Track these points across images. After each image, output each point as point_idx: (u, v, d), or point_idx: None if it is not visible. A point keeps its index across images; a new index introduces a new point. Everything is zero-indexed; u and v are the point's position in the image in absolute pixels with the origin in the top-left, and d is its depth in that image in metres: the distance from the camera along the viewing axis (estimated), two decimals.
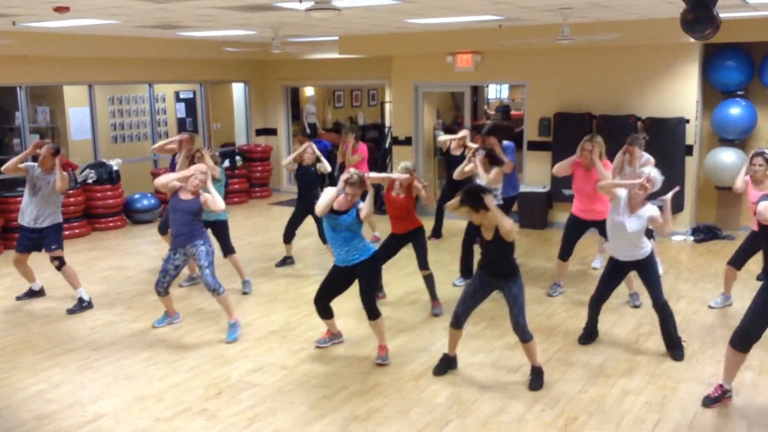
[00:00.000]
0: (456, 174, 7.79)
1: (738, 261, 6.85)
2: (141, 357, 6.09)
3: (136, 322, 6.97)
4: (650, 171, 5.80)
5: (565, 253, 7.44)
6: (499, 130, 8.28)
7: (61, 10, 6.74)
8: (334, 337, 6.30)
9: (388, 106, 13.33)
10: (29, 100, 11.14)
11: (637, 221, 5.74)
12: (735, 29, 8.86)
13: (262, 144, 14.16)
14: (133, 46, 10.94)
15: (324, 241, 8.48)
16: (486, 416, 4.96)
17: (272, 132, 14.52)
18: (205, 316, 7.05)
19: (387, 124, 13.40)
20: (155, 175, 11.98)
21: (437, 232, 10.16)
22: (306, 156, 8.42)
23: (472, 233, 7.32)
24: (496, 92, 18.88)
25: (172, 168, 8.28)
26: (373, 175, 6.85)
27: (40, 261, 7.89)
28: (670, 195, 5.71)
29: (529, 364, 5.48)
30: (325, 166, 8.44)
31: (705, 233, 10.01)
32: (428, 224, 10.00)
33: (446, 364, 5.69)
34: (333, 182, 6.52)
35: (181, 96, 14.14)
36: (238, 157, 13.46)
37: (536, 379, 5.38)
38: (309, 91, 16.34)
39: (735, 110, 9.75)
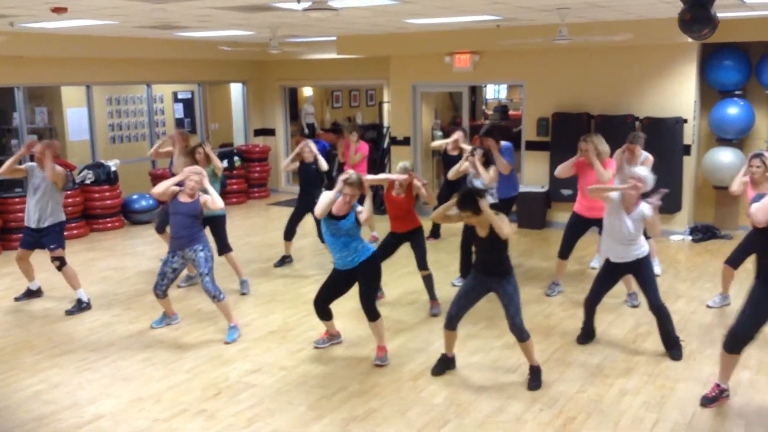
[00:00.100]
0: (451, 174, 7.80)
1: (735, 260, 6.86)
2: (139, 358, 6.09)
3: (134, 323, 6.96)
4: (639, 170, 5.81)
5: (565, 252, 7.45)
6: (497, 130, 8.28)
7: (58, 10, 6.74)
8: (332, 337, 6.30)
9: (386, 107, 13.33)
10: (27, 101, 11.13)
11: (633, 221, 5.75)
12: (732, 29, 8.87)
13: (261, 144, 14.16)
14: (131, 47, 10.94)
15: (323, 240, 8.48)
16: (484, 416, 4.97)
17: (270, 132, 14.52)
18: (204, 317, 7.05)
19: (385, 124, 13.40)
20: (153, 175, 11.99)
21: (436, 233, 10.17)
22: (305, 153, 8.44)
23: (471, 233, 7.33)
24: (494, 92, 18.88)
25: (171, 168, 8.28)
26: (371, 177, 6.86)
27: (41, 261, 7.88)
28: (657, 199, 5.71)
29: (527, 364, 5.48)
30: (322, 165, 8.43)
31: (703, 233, 10.02)
32: (427, 225, 10.02)
33: (444, 365, 5.70)
34: (332, 182, 6.53)
35: (179, 96, 14.14)
36: (236, 158, 13.45)
37: (534, 379, 5.39)
38: (307, 92, 16.34)
39: (733, 110, 9.76)
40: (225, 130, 14.99)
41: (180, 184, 6.47)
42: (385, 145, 12.88)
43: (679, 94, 9.91)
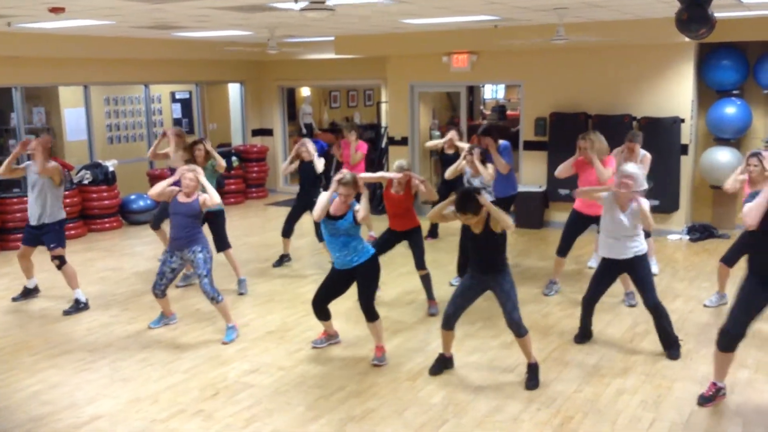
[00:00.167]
0: (448, 174, 7.81)
1: (730, 258, 6.87)
2: (137, 358, 6.09)
3: (132, 323, 6.96)
4: (629, 168, 5.81)
5: (563, 249, 7.45)
6: (495, 130, 8.29)
7: (56, 10, 6.73)
8: (330, 337, 6.31)
9: (384, 107, 13.34)
10: (24, 101, 11.12)
11: (628, 217, 5.75)
12: (730, 29, 8.88)
13: (258, 144, 14.16)
14: (128, 47, 10.93)
15: (320, 239, 8.49)
16: (482, 416, 4.97)
17: (268, 132, 14.52)
18: (202, 317, 7.05)
19: (383, 124, 13.40)
20: (151, 176, 11.99)
21: (434, 232, 10.17)
22: (303, 153, 8.43)
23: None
24: (492, 92, 18.90)
25: (170, 168, 8.25)
26: (366, 175, 6.86)
27: (41, 260, 7.88)
28: (642, 197, 5.73)
29: (525, 364, 5.48)
30: (317, 166, 8.36)
31: (700, 232, 10.03)
32: (425, 224, 10.01)
33: (442, 364, 5.70)
34: (329, 182, 6.53)
35: (177, 96, 14.14)
36: (234, 158, 13.45)
37: (532, 378, 5.39)
38: (305, 92, 16.34)
39: (730, 109, 9.78)
40: (223, 131, 14.99)
41: (177, 183, 6.46)
42: (383, 145, 12.89)
43: (676, 94, 9.93)
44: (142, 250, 9.91)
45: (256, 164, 13.87)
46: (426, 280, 7.10)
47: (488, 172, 7.38)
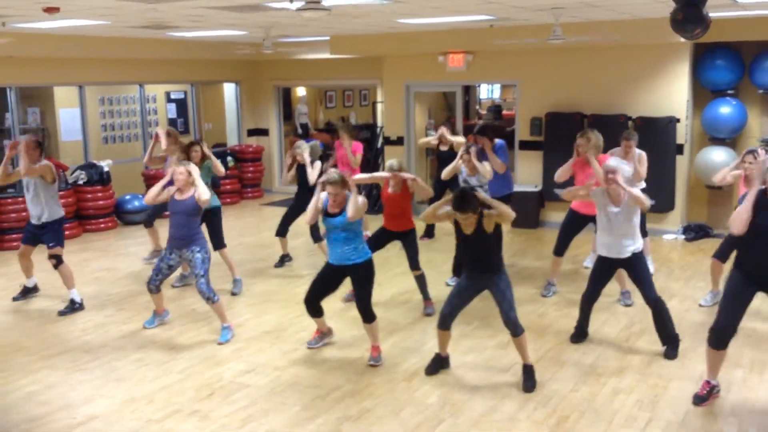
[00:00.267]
0: (444, 174, 7.81)
1: (723, 254, 6.89)
2: (132, 358, 6.08)
3: (127, 323, 6.94)
4: (611, 162, 5.82)
5: (560, 249, 7.45)
6: (490, 129, 8.29)
7: (51, 10, 6.71)
8: (324, 335, 6.29)
9: (379, 106, 13.33)
10: (19, 101, 11.09)
11: (624, 212, 5.74)
12: (725, 29, 8.90)
13: (254, 144, 14.14)
14: (123, 47, 10.91)
15: (315, 241, 8.48)
16: (478, 415, 4.97)
17: (264, 132, 14.50)
18: (197, 317, 7.04)
19: (379, 124, 13.40)
20: (146, 176, 11.97)
21: (429, 232, 10.17)
22: (297, 156, 8.39)
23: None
24: (488, 92, 18.92)
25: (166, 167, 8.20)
26: (360, 177, 6.86)
27: (40, 259, 7.85)
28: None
29: (521, 364, 5.47)
30: (310, 178, 8.13)
31: (696, 232, 10.05)
32: (420, 224, 10.01)
33: (438, 364, 5.70)
34: None
35: (172, 96, 14.11)
36: (229, 158, 13.44)
37: (528, 380, 5.38)
38: (301, 92, 16.33)
39: (725, 109, 9.79)
40: (218, 131, 14.96)
41: (170, 183, 6.44)
42: (379, 144, 12.88)
43: (671, 94, 9.94)
44: (137, 250, 9.88)
45: (252, 164, 13.85)
46: (421, 281, 7.10)
47: (486, 169, 7.40)
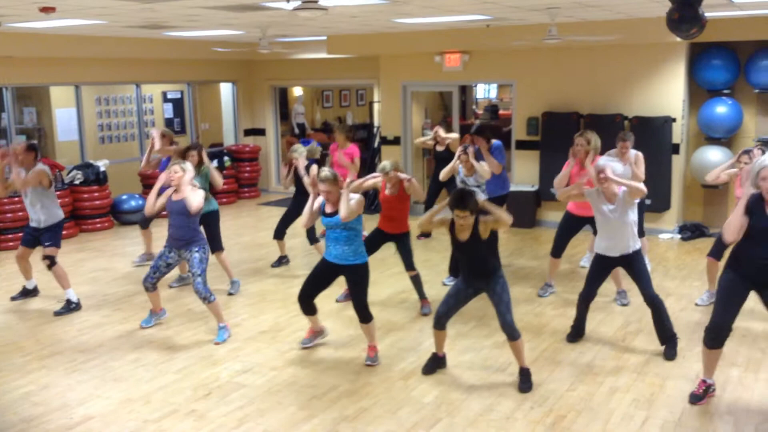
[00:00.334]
0: (442, 175, 7.79)
1: (717, 252, 6.90)
2: (129, 358, 6.07)
3: (124, 323, 6.94)
4: (600, 161, 5.83)
5: (557, 251, 7.46)
6: (488, 129, 8.30)
7: (47, 10, 6.70)
8: (317, 334, 6.28)
9: (376, 106, 13.34)
10: (16, 101, 11.07)
11: (620, 208, 5.75)
12: (721, 28, 8.92)
13: (251, 144, 14.14)
14: (119, 47, 10.90)
15: (311, 242, 8.47)
16: (475, 415, 4.97)
17: (261, 132, 14.50)
18: (194, 317, 7.03)
19: (376, 123, 13.40)
20: (143, 176, 11.95)
21: (427, 232, 10.16)
22: (293, 160, 8.38)
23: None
24: (485, 92, 18.93)
25: (162, 169, 8.17)
26: (357, 183, 6.83)
27: (38, 260, 7.83)
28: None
29: (517, 364, 5.48)
30: (304, 181, 8.17)
31: (692, 231, 10.07)
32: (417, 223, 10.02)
33: (435, 364, 5.70)
34: None
35: (169, 96, 14.10)
36: (226, 158, 13.44)
37: (525, 381, 5.37)
38: (297, 91, 16.33)
39: (721, 109, 9.81)
40: (215, 130, 14.96)
41: (164, 189, 6.43)
42: (376, 144, 12.89)
43: (667, 94, 9.96)
44: (134, 250, 9.87)
45: (249, 164, 13.84)
46: (416, 281, 7.10)
47: (484, 168, 7.40)
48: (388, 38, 10.99)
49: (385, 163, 6.86)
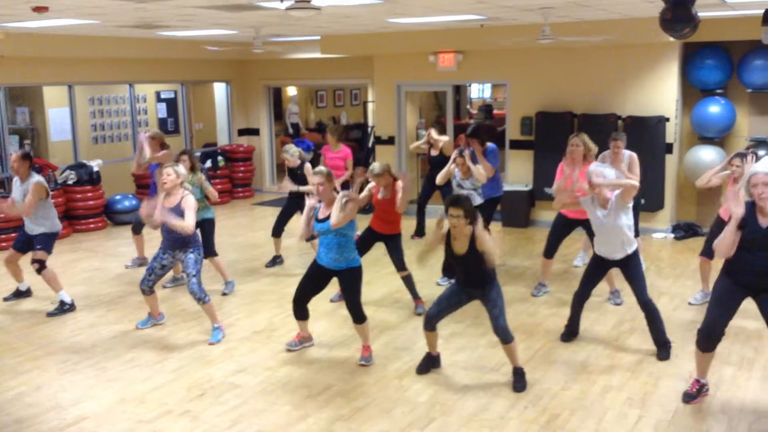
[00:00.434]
0: (439, 179, 7.78)
1: (709, 250, 6.90)
2: (123, 359, 6.05)
3: (118, 323, 6.92)
4: (591, 168, 5.83)
5: (550, 251, 7.47)
6: (483, 131, 8.29)
7: (39, 9, 6.68)
8: (305, 340, 6.25)
9: (370, 106, 13.33)
10: (8, 101, 11.03)
11: (614, 211, 5.76)
12: (714, 28, 8.95)
13: (245, 144, 14.11)
14: (113, 46, 10.87)
15: (307, 239, 8.45)
16: (469, 414, 4.98)
17: (254, 132, 14.48)
18: (189, 317, 7.02)
19: (370, 123, 13.40)
20: (137, 176, 11.91)
21: (420, 231, 10.18)
22: (286, 160, 8.38)
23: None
24: (479, 91, 18.96)
25: (154, 174, 8.12)
26: (362, 197, 6.82)
27: (28, 263, 7.80)
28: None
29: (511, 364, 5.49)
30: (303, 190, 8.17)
31: (685, 230, 10.10)
32: (411, 223, 10.03)
33: (429, 363, 5.70)
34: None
35: (162, 96, 14.07)
36: (220, 158, 13.42)
37: (519, 381, 5.38)
38: (291, 91, 16.32)
39: (714, 108, 9.84)
40: (209, 130, 14.93)
41: (154, 191, 6.40)
42: (370, 144, 12.88)
43: (661, 93, 9.99)
44: (127, 250, 9.84)
45: (243, 164, 13.82)
46: (408, 281, 7.09)
47: (480, 172, 7.39)
48: (382, 38, 10.99)
49: (374, 165, 6.87)
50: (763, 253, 4.59)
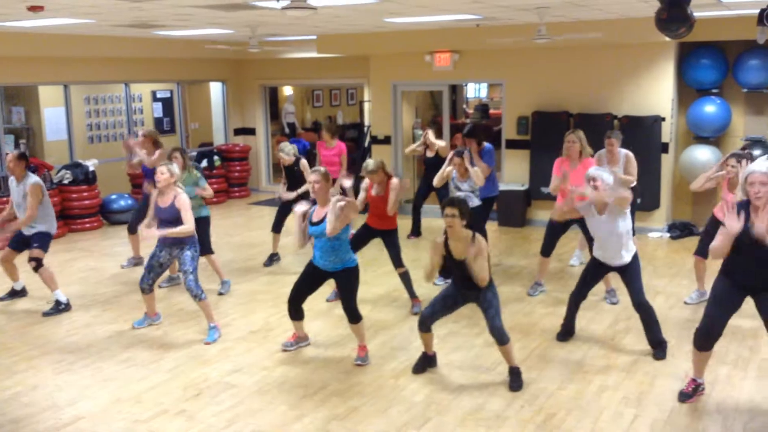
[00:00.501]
0: (436, 181, 7.76)
1: (703, 250, 6.91)
2: (119, 359, 6.04)
3: (114, 323, 6.91)
4: (591, 171, 5.83)
5: (547, 250, 7.47)
6: (480, 131, 8.29)
7: (35, 9, 6.67)
8: (300, 340, 6.24)
9: (367, 106, 13.33)
10: (4, 101, 11.01)
11: (612, 218, 5.77)
12: (709, 28, 8.96)
13: (241, 144, 14.10)
14: (108, 46, 10.85)
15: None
16: (465, 413, 4.98)
17: (251, 132, 14.46)
18: (185, 317, 7.01)
19: (366, 123, 13.40)
20: (132, 175, 11.88)
21: (416, 231, 10.17)
22: (281, 158, 8.38)
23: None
24: (475, 91, 18.96)
25: (147, 175, 8.09)
26: (359, 202, 6.81)
27: (25, 261, 7.78)
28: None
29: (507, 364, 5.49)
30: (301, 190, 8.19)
31: (681, 230, 10.12)
32: (407, 222, 10.02)
33: (425, 363, 5.70)
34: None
35: (158, 96, 14.05)
36: (216, 157, 13.40)
37: (515, 380, 5.38)
38: (287, 91, 16.30)
39: (710, 108, 9.86)
40: (205, 130, 14.92)
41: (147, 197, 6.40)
42: (366, 144, 12.88)
43: (657, 93, 10.00)
44: (123, 250, 9.82)
45: (239, 163, 13.81)
46: (405, 278, 7.09)
47: (478, 174, 7.38)
48: (378, 38, 10.99)
49: (368, 162, 6.87)
50: (760, 252, 4.59)
